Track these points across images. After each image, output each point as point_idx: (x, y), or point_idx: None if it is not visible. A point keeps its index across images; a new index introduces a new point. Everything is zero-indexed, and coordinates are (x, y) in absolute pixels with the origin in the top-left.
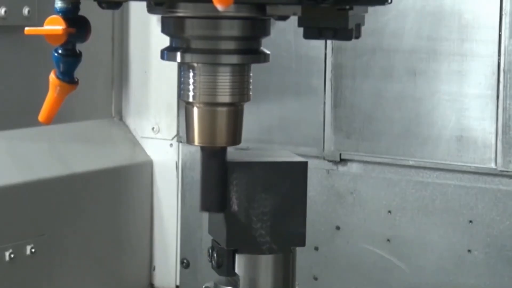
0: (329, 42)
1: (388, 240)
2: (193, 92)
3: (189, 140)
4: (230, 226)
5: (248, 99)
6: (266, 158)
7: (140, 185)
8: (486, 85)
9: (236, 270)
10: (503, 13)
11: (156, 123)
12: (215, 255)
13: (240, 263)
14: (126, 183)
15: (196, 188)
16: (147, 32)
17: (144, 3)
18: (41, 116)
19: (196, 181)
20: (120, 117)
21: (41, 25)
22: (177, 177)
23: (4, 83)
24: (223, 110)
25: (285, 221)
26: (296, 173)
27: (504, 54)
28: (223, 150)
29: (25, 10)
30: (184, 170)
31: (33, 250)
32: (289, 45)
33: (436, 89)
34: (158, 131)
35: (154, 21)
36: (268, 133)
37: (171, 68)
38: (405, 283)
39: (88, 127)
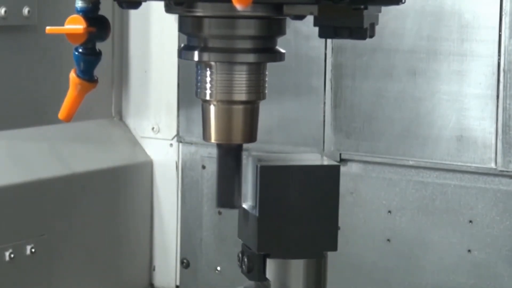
0: (329, 42)
1: (388, 240)
2: (210, 90)
3: (206, 137)
4: (262, 231)
5: (263, 97)
6: (297, 162)
7: (140, 185)
8: (486, 85)
9: (267, 275)
10: (503, 13)
11: (156, 123)
12: (245, 259)
13: (271, 267)
14: (126, 183)
15: (196, 188)
16: (147, 32)
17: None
18: (61, 114)
19: (195, 181)
20: (120, 117)
21: (41, 25)
22: (177, 177)
23: (4, 83)
24: (239, 108)
25: (317, 225)
26: (328, 177)
27: (504, 54)
28: (239, 147)
29: (25, 10)
30: (184, 170)
31: (33, 250)
32: (288, 45)
33: (436, 89)
34: (158, 131)
35: (152, 20)
36: (268, 133)
37: (171, 68)
38: (405, 283)
39: (88, 127)
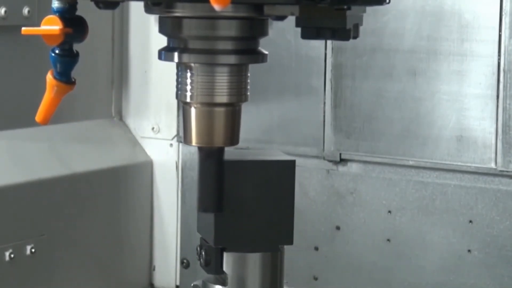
0: (329, 42)
1: (388, 240)
2: (191, 92)
3: (187, 140)
4: (218, 225)
5: (246, 99)
6: (254, 157)
7: (140, 185)
8: (486, 85)
9: (224, 268)
10: (503, 13)
11: (156, 123)
12: (203, 253)
13: (228, 261)
14: (126, 183)
15: (196, 188)
16: (147, 32)
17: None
18: (38, 117)
19: (196, 181)
20: (120, 117)
21: (40, 25)
22: (177, 177)
23: (4, 83)
24: (220, 110)
25: (273, 219)
26: (284, 172)
27: (504, 54)
28: (221, 150)
29: (25, 10)
30: (184, 170)
31: (33, 250)
32: (288, 45)
33: (436, 89)
34: (158, 131)
35: (152, 20)
36: (268, 133)
37: (171, 68)
38: (405, 283)
39: (88, 127)
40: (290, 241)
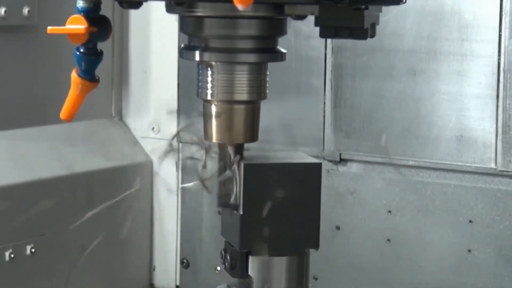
0: (329, 42)
1: (388, 240)
2: (211, 90)
3: (207, 137)
4: (244, 228)
5: (265, 97)
6: (280, 160)
7: (140, 185)
8: (486, 85)
9: (250, 272)
10: (503, 13)
11: (156, 123)
12: (228, 257)
13: (253, 265)
14: (126, 183)
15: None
16: (147, 32)
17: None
18: (63, 114)
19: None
20: (120, 117)
21: (41, 25)
22: (177, 177)
23: (4, 83)
24: (240, 107)
25: (299, 223)
26: (310, 175)
27: (504, 54)
28: (240, 147)
29: (25, 10)
30: (184, 170)
31: (33, 250)
32: (289, 45)
33: (436, 89)
34: (158, 131)
35: (152, 21)
36: (268, 133)
37: (171, 68)
38: (405, 283)
39: (88, 127)
40: (316, 245)
